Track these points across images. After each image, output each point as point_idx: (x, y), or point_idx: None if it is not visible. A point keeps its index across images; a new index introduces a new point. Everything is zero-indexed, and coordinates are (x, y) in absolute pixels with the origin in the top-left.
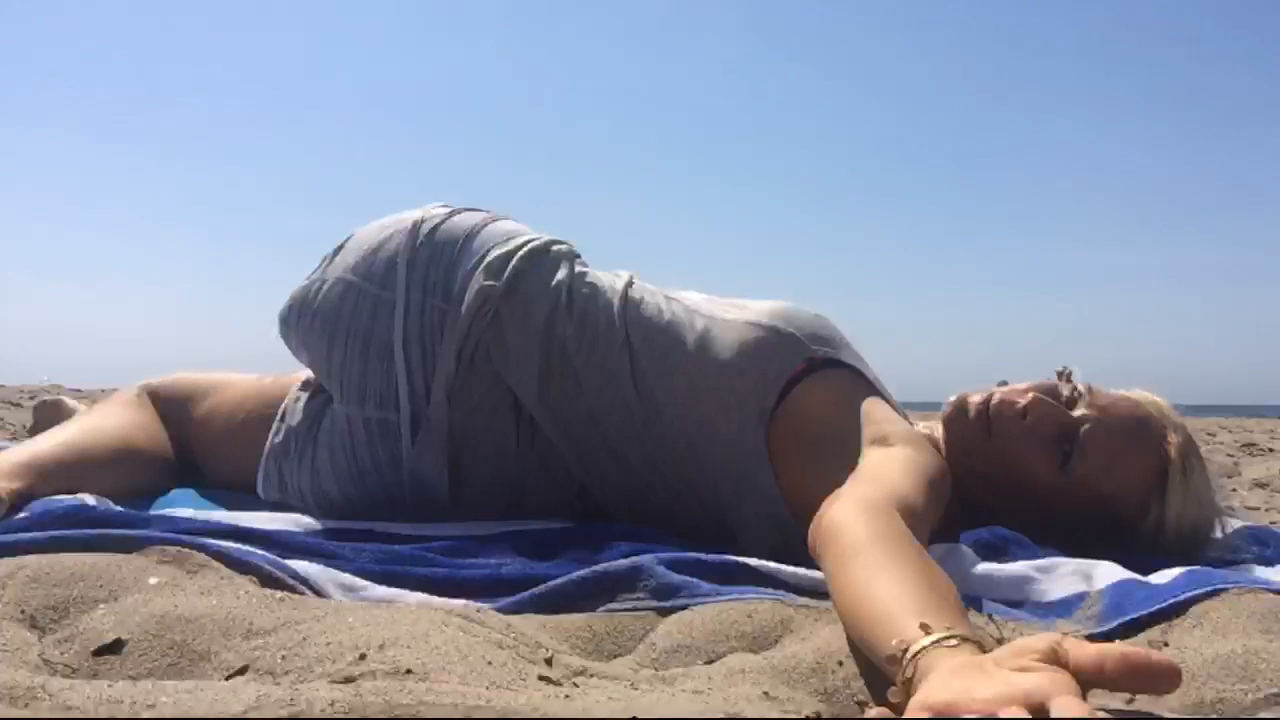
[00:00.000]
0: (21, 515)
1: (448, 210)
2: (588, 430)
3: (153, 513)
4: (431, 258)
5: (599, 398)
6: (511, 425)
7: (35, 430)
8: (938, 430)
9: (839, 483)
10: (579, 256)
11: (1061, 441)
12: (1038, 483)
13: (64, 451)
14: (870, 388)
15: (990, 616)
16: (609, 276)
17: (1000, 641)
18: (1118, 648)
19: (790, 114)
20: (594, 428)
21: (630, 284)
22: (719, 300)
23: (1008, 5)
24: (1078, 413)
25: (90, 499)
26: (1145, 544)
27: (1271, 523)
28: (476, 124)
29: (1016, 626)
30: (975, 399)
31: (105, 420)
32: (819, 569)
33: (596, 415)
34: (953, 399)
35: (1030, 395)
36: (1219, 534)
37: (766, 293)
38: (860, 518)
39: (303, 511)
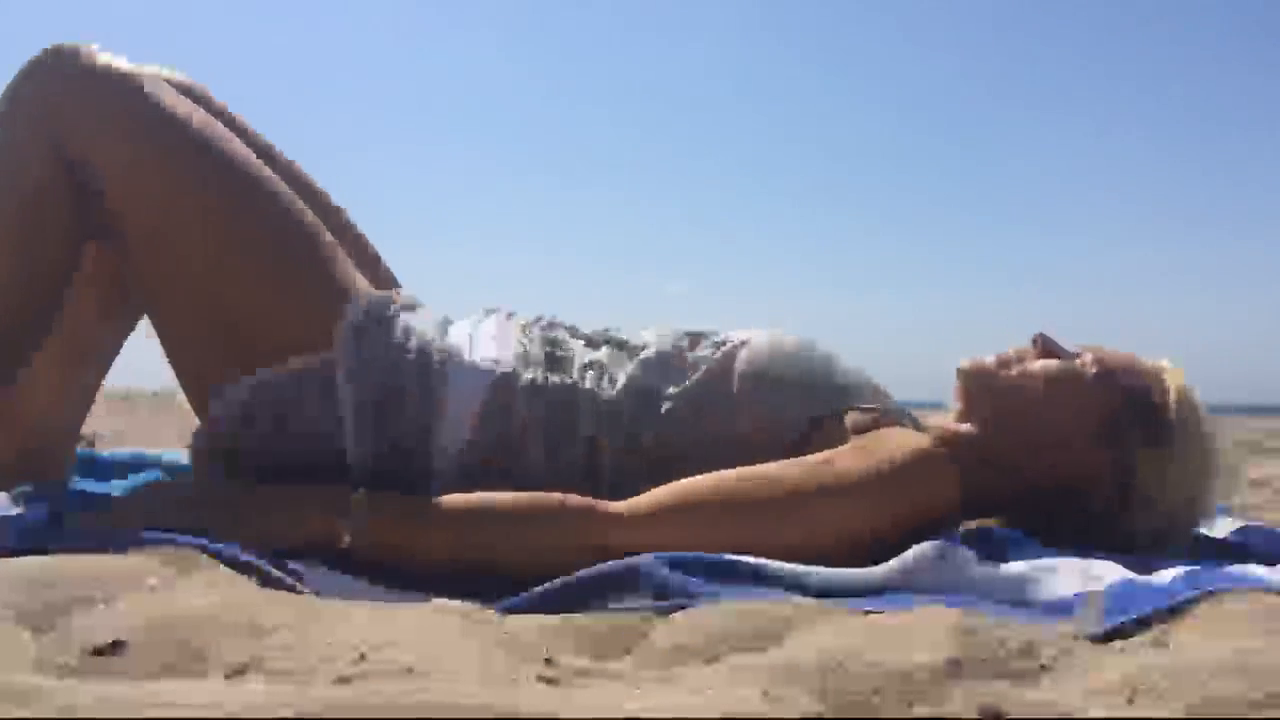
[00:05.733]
0: (18, 513)
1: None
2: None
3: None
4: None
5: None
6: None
7: None
8: (949, 421)
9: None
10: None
11: (1064, 355)
12: (1057, 392)
13: None
14: (891, 420)
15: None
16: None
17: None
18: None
19: (790, 112)
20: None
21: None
22: (696, 352)
23: (1008, 3)
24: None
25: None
26: (1144, 504)
27: (1272, 523)
28: (476, 123)
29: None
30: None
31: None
32: (820, 568)
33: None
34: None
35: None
36: (1217, 497)
37: (767, 292)
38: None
39: None
